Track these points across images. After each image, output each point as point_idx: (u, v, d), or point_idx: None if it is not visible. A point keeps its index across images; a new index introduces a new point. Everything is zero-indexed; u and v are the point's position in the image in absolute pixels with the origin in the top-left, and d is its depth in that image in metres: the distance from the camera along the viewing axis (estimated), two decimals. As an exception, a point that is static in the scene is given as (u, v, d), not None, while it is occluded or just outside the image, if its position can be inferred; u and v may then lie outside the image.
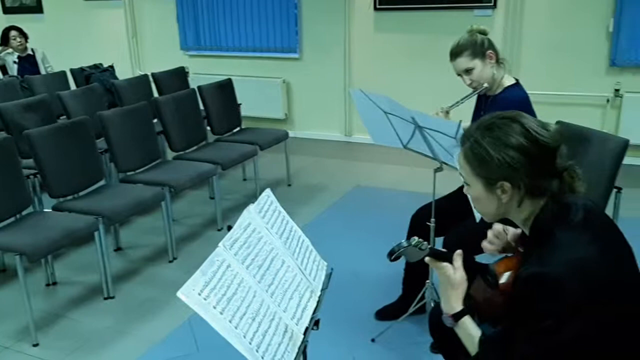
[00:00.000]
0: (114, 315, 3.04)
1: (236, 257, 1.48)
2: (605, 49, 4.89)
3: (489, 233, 1.67)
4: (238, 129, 4.92)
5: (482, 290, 1.52)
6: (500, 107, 2.48)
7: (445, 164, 2.40)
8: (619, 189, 2.65)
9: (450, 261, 1.52)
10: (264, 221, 1.69)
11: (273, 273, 1.57)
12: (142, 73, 5.86)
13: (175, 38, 6.72)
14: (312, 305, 1.62)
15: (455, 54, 2.53)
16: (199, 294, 1.29)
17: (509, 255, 1.60)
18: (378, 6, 5.66)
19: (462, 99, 2.60)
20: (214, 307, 1.29)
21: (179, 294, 1.27)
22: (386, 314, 2.88)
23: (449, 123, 2.08)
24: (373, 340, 2.71)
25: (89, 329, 2.92)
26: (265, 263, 1.56)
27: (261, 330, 1.36)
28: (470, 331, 1.46)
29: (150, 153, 3.93)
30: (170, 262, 3.61)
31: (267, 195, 1.82)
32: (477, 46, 2.50)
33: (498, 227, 1.63)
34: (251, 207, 1.67)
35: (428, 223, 2.55)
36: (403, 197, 4.53)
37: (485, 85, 2.50)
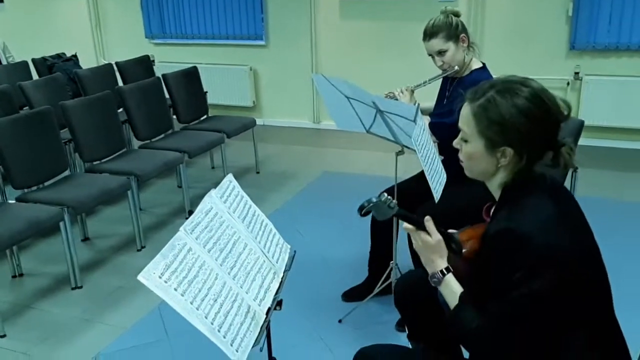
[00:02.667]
0: (83, 305, 3.04)
1: (197, 241, 1.51)
2: (565, 33, 5.01)
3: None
4: (205, 117, 4.91)
5: (448, 258, 1.57)
6: (467, 89, 2.55)
7: (406, 147, 2.46)
8: (576, 168, 2.74)
9: (419, 225, 1.53)
10: (225, 206, 1.72)
11: (235, 256, 1.60)
12: (106, 62, 5.79)
13: (139, 26, 6.63)
14: (275, 286, 1.66)
15: (430, 34, 2.55)
16: (160, 277, 1.32)
17: (471, 225, 1.65)
18: (343, -7, 5.68)
19: (429, 79, 2.66)
20: (175, 290, 1.32)
21: (140, 277, 1.30)
22: (353, 295, 2.94)
23: (407, 106, 2.13)
24: (340, 321, 2.77)
25: (58, 319, 2.92)
26: (227, 246, 1.60)
27: (223, 311, 1.40)
28: (453, 287, 1.49)
29: (115, 142, 3.90)
30: (139, 250, 3.61)
31: (229, 180, 1.84)
32: (452, 29, 2.53)
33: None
34: (213, 192, 1.70)
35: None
36: (370, 181, 4.57)
37: (456, 67, 2.55)
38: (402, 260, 2.77)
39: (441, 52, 2.55)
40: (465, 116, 1.48)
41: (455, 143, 1.56)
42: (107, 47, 6.95)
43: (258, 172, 4.97)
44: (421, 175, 2.80)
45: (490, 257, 1.40)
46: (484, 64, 2.65)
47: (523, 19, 5.11)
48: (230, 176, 1.87)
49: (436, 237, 1.52)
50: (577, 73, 5.03)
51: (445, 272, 1.50)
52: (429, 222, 1.53)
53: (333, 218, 3.93)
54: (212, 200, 1.67)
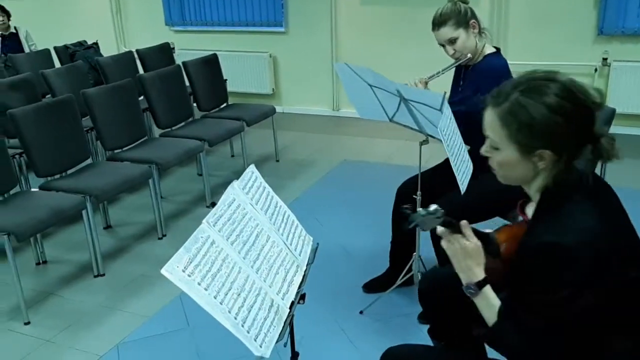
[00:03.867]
0: (105, 293, 3.06)
1: (220, 233, 1.49)
2: (593, 18, 4.87)
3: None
4: (225, 105, 4.89)
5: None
6: (481, 76, 2.50)
7: (431, 136, 2.41)
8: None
9: (459, 231, 1.45)
10: (248, 197, 1.69)
11: (258, 249, 1.58)
12: (127, 50, 5.79)
13: (159, 13, 6.62)
14: (298, 279, 1.64)
15: (438, 23, 2.50)
16: (183, 271, 1.30)
17: (509, 223, 1.60)
18: (364, -22, 5.60)
19: (443, 70, 2.59)
20: (199, 284, 1.30)
21: (163, 271, 1.28)
22: (374, 286, 2.91)
23: (433, 94, 2.07)
24: (361, 312, 2.75)
25: (80, 307, 2.94)
26: (250, 239, 1.57)
27: (246, 305, 1.38)
28: (491, 300, 1.41)
29: (137, 131, 3.91)
30: (160, 239, 3.63)
31: (252, 171, 1.82)
32: (461, 15, 2.48)
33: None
34: (235, 184, 1.68)
35: (414, 196, 2.56)
36: (390, 170, 4.54)
37: (469, 55, 2.49)
38: (425, 253, 2.73)
39: (452, 41, 2.49)
40: (491, 122, 1.38)
41: (484, 151, 1.45)
42: (127, 34, 6.96)
43: (278, 161, 4.95)
44: (440, 166, 2.76)
45: (533, 269, 1.32)
46: (497, 48, 2.58)
47: (549, 2, 4.99)
48: (252, 167, 1.84)
49: (473, 240, 1.43)
50: (605, 59, 4.90)
51: (484, 284, 1.42)
52: (466, 227, 1.45)
53: (353, 207, 3.90)
54: (234, 191, 1.65)
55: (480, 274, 1.42)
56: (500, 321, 1.38)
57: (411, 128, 2.49)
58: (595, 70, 4.96)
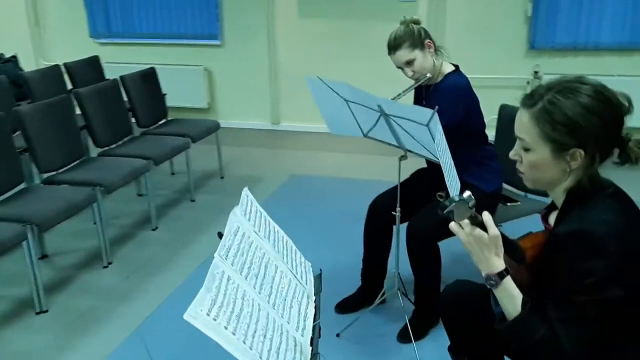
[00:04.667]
0: (52, 331, 2.76)
1: (233, 267, 1.34)
2: (525, 33, 5.08)
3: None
4: (164, 120, 4.65)
5: (508, 266, 1.48)
6: (444, 95, 2.49)
7: (410, 151, 2.36)
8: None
9: (479, 224, 1.41)
10: (250, 224, 1.56)
11: (270, 281, 1.45)
12: (47, 63, 5.40)
13: (83, 25, 6.23)
14: (311, 312, 1.52)
15: (394, 47, 2.48)
16: (208, 314, 1.15)
17: (533, 232, 1.57)
18: (302, -9, 5.55)
19: (403, 91, 2.55)
20: (225, 328, 1.16)
21: (186, 316, 1.12)
22: (347, 306, 2.82)
23: (422, 110, 2.03)
24: (338, 335, 2.65)
25: (24, 349, 2.64)
26: (261, 271, 1.44)
27: (274, 347, 1.24)
28: (513, 291, 1.39)
29: (74, 150, 3.61)
30: (106, 267, 3.34)
31: (246, 194, 1.68)
32: (415, 37, 2.47)
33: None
34: (237, 210, 1.54)
35: (393, 212, 2.51)
36: (342, 184, 4.49)
37: (428, 75, 2.48)
38: (403, 270, 2.68)
39: (409, 63, 2.48)
40: (525, 123, 1.39)
41: (513, 155, 1.47)
42: (47, 47, 6.49)
43: (222, 177, 4.76)
44: (413, 181, 2.73)
45: (558, 258, 1.33)
46: (456, 66, 2.60)
47: (483, 19, 5.15)
48: (246, 190, 1.71)
49: (493, 232, 1.39)
50: (536, 72, 5.12)
51: (505, 274, 1.39)
52: (487, 215, 1.40)
53: (309, 223, 3.80)
54: (237, 219, 1.51)
55: (500, 265, 1.40)
56: (525, 312, 1.35)
57: (388, 143, 2.43)
58: (528, 83, 5.16)
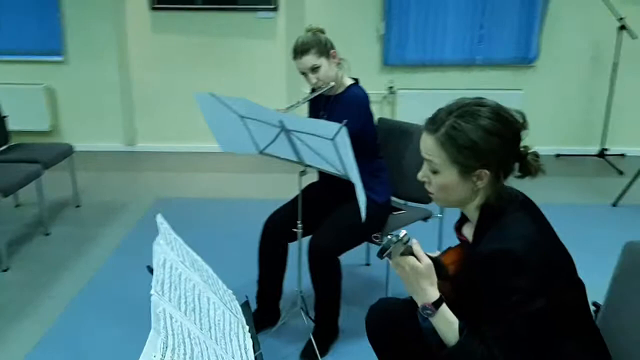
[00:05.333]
0: None
1: (171, 303, 1.20)
2: (378, 50, 5.35)
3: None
4: (6, 146, 4.12)
5: None
6: (348, 106, 2.53)
7: (309, 166, 2.33)
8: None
9: (410, 253, 1.42)
10: (175, 254, 1.41)
11: (206, 314, 1.31)
12: None
13: None
14: (250, 342, 1.40)
15: (301, 51, 2.48)
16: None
17: (452, 247, 1.60)
18: (155, 5, 5.29)
19: (302, 100, 2.57)
20: (184, 373, 1.02)
21: (140, 366, 0.97)
22: (244, 331, 2.70)
23: (328, 124, 2.01)
24: (240, 362, 2.52)
25: None
26: (196, 304, 1.30)
27: (233, 387, 1.12)
28: (450, 318, 1.40)
29: None
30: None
31: (161, 222, 1.52)
32: (322, 45, 2.50)
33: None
34: (160, 240, 1.38)
35: (294, 229, 2.45)
36: (213, 205, 4.33)
37: (332, 84, 2.51)
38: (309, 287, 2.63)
39: (314, 69, 2.50)
40: (431, 147, 1.43)
41: (421, 176, 1.50)
42: None
43: (78, 206, 4.33)
44: (304, 197, 2.71)
45: (485, 278, 1.36)
46: (356, 79, 2.66)
47: (340, 37, 5.29)
48: (160, 217, 1.55)
49: (426, 261, 1.42)
50: (391, 87, 5.41)
51: (440, 302, 1.41)
52: (416, 245, 1.43)
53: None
54: (162, 250, 1.35)
55: (435, 294, 1.41)
56: (464, 337, 1.37)
57: (287, 160, 2.38)
58: (384, 97, 5.44)
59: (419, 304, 1.42)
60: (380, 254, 1.35)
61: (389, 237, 1.33)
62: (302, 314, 2.57)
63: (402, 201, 3.02)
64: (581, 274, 1.51)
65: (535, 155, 1.46)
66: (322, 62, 2.48)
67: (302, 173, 2.36)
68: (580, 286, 1.47)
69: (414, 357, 1.62)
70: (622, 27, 4.72)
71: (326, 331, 2.60)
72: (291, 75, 5.41)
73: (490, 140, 1.37)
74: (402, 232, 1.35)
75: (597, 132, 5.20)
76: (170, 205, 4.35)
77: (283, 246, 2.67)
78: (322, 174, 2.71)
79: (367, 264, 3.37)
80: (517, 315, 1.32)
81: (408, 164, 2.94)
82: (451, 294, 1.49)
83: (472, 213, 1.49)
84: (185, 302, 1.26)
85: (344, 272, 2.55)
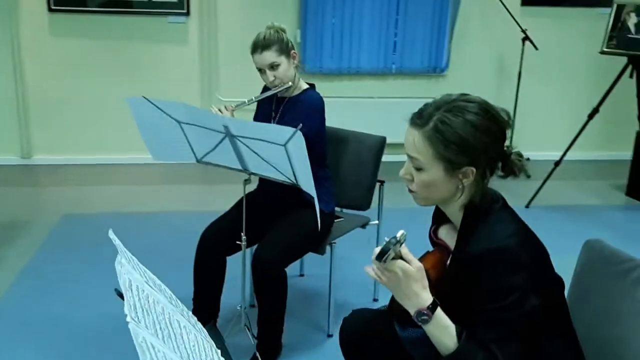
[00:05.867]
0: None
1: (149, 330, 1.04)
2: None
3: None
4: None
5: None
6: (303, 108, 2.45)
7: (254, 174, 2.20)
8: (382, 182, 2.88)
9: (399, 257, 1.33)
10: (137, 274, 1.24)
11: (180, 340, 1.16)
12: None
13: None
14: (227, 368, 1.26)
15: (262, 46, 2.39)
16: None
17: (429, 251, 1.54)
18: (53, 7, 4.89)
19: (256, 98, 2.50)
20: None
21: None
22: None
23: (281, 129, 1.90)
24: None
25: None
26: (169, 329, 1.14)
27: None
28: (446, 322, 1.33)
29: None
30: None
31: (114, 239, 1.34)
32: (284, 43, 2.44)
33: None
34: (122, 259, 1.21)
35: (238, 242, 2.31)
36: (125, 220, 4.04)
37: (289, 84, 2.43)
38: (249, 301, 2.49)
39: (273, 66, 2.42)
40: (417, 143, 1.38)
41: (404, 174, 1.44)
42: None
43: (-30, 227, 3.88)
44: (238, 207, 2.58)
45: (476, 279, 1.32)
46: (312, 84, 2.61)
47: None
48: (111, 233, 1.37)
49: (417, 264, 1.34)
50: (308, 95, 5.36)
51: (435, 306, 1.33)
52: (404, 248, 1.34)
53: (100, 268, 3.29)
54: (126, 270, 1.18)
55: (429, 297, 1.33)
56: (464, 342, 1.31)
57: (228, 167, 2.23)
58: (301, 105, 5.38)
59: (412, 311, 1.33)
60: (380, 257, 1.26)
61: (387, 239, 1.25)
62: (247, 332, 2.43)
63: (338, 208, 2.97)
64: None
65: (519, 154, 1.44)
66: (282, 60, 2.41)
67: (247, 181, 2.24)
68: (560, 283, 1.47)
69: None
70: (525, 39, 5.00)
71: (270, 347, 2.47)
72: (205, 81, 5.21)
73: (478, 137, 1.34)
74: (400, 232, 1.26)
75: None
76: (80, 222, 4.00)
77: (221, 260, 2.52)
78: (262, 182, 2.60)
79: (301, 275, 3.28)
80: (515, 315, 1.29)
81: (344, 171, 2.90)
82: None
83: (455, 213, 1.44)
84: (160, 327, 1.10)
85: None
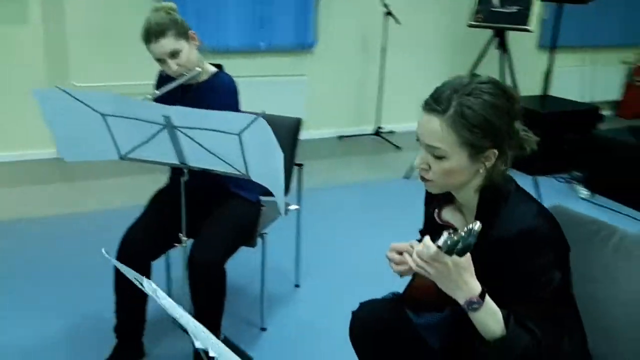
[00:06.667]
0: None
1: None
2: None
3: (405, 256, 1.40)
4: None
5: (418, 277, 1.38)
6: (219, 94, 2.25)
7: (192, 168, 1.97)
8: (300, 165, 2.78)
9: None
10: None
11: None
12: None
13: None
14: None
15: (156, 33, 2.12)
16: None
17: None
18: None
19: (162, 91, 2.17)
20: None
21: None
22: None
23: (237, 116, 1.72)
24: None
25: None
26: None
27: None
28: (493, 307, 1.28)
29: None
30: None
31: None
32: (180, 25, 2.19)
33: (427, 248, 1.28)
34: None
35: (176, 244, 2.09)
36: (37, 226, 3.50)
37: (198, 69, 2.19)
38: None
39: (174, 54, 2.18)
40: (439, 132, 1.31)
41: (419, 164, 1.37)
42: None
43: None
44: (161, 207, 2.35)
45: (506, 261, 1.31)
46: (219, 65, 2.40)
47: (113, 21, 4.71)
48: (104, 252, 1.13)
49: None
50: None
51: (485, 292, 1.28)
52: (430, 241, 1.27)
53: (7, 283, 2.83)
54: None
55: (478, 285, 1.29)
56: (512, 326, 1.28)
57: (159, 163, 1.97)
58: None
59: (462, 300, 1.27)
60: (463, 253, 1.19)
61: (462, 233, 1.17)
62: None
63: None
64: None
65: (525, 130, 1.42)
66: (183, 45, 2.17)
67: (183, 176, 2.01)
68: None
69: (410, 357, 1.50)
70: (388, 13, 5.17)
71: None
72: (52, 65, 4.61)
73: (499, 116, 1.31)
74: (477, 225, 1.16)
75: (372, 113, 5.66)
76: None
77: (146, 267, 2.26)
78: (175, 177, 2.38)
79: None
80: (549, 292, 1.30)
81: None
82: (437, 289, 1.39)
83: (470, 196, 1.41)
84: None
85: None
